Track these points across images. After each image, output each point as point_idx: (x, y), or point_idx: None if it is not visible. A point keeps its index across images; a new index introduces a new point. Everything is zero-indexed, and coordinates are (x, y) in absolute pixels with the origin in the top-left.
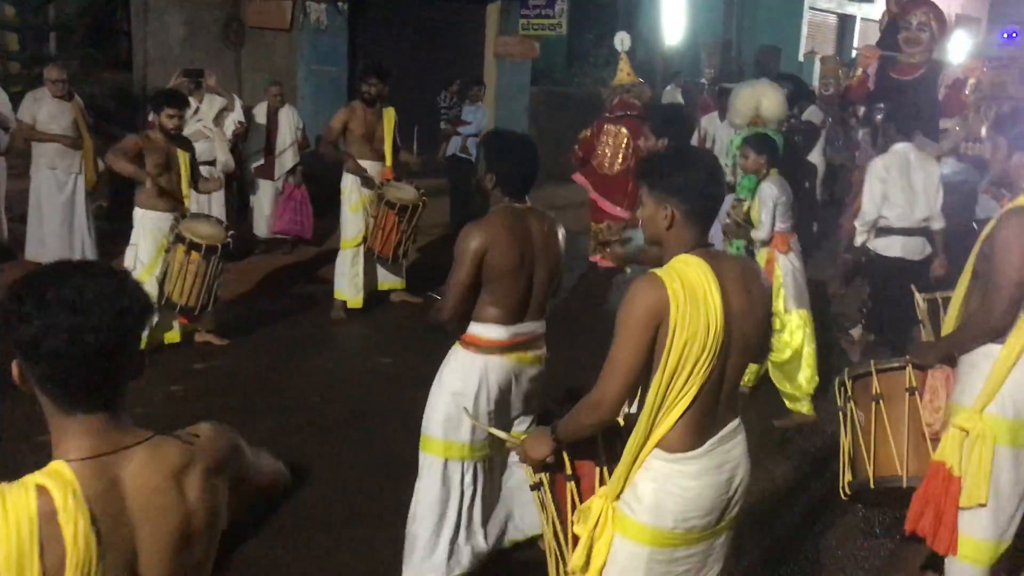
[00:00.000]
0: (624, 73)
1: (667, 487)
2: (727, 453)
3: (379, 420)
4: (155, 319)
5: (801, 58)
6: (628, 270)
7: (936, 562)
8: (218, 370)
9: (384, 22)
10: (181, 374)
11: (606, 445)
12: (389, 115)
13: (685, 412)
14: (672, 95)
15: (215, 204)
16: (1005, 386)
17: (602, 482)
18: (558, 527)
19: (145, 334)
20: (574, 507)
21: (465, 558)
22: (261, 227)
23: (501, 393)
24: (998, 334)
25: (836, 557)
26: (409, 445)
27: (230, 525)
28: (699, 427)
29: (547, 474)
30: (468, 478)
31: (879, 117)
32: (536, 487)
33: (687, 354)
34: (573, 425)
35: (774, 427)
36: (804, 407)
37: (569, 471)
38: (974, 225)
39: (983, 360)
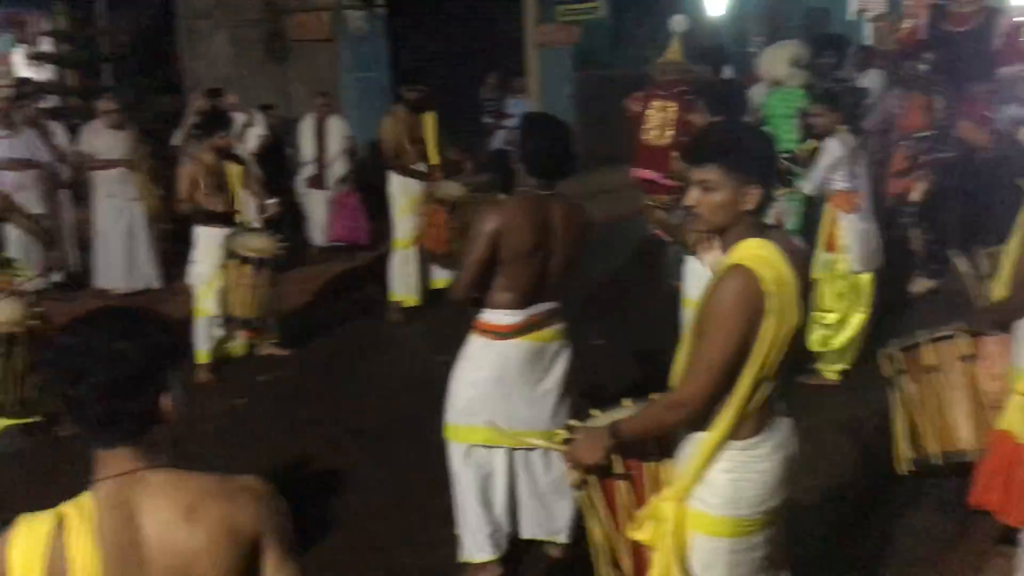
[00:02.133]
0: (672, 52)
1: (744, 475)
2: (783, 426)
3: (439, 420)
4: (220, 333)
5: (852, 17)
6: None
7: (1010, 534)
8: (281, 381)
9: (421, 24)
10: (246, 387)
11: (657, 442)
12: (429, 119)
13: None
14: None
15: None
16: None
17: (656, 480)
18: (609, 527)
19: (206, 349)
20: (626, 507)
21: (504, 541)
22: (317, 236)
23: (522, 375)
24: None
25: (904, 530)
26: None
27: None
28: (765, 410)
29: (595, 475)
30: (497, 463)
31: (923, 68)
32: (582, 486)
33: (778, 344)
34: (649, 424)
35: (824, 401)
36: (832, 371)
37: (620, 470)
38: None
39: None
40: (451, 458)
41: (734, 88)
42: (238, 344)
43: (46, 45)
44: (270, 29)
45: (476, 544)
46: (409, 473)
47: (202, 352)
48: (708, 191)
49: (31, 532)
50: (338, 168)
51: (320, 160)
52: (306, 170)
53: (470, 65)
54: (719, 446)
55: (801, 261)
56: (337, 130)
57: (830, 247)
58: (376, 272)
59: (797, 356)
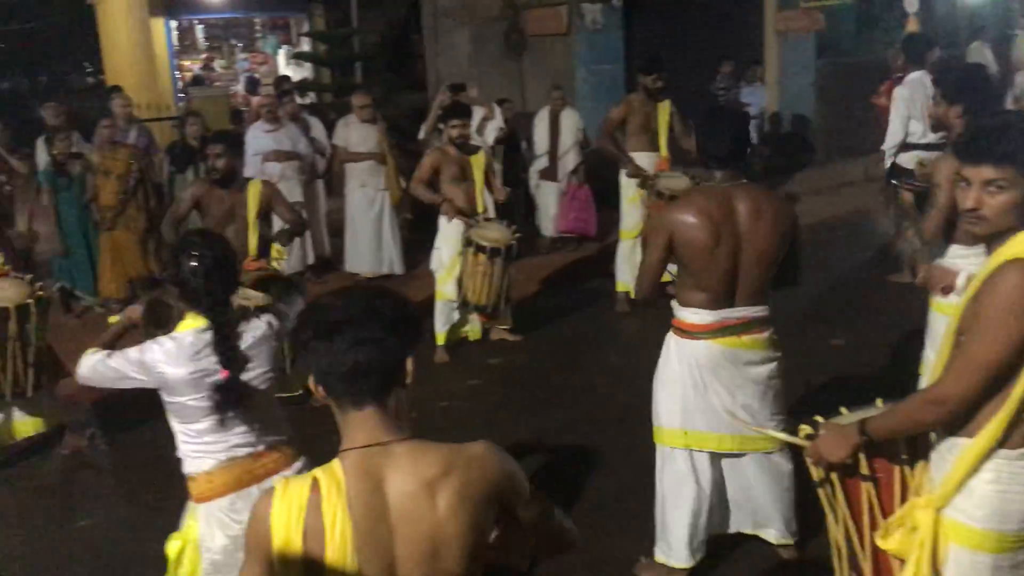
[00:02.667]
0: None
1: (1012, 487)
2: None
3: None
4: (456, 316)
5: None
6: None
7: None
8: (512, 364)
9: (658, 13)
10: (479, 369)
11: (907, 444)
12: (664, 107)
13: None
14: (978, 53)
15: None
16: None
17: (904, 485)
18: (851, 530)
19: (444, 331)
20: (870, 510)
21: (703, 548)
22: (547, 227)
23: (717, 380)
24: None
25: None
26: None
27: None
28: None
29: (838, 473)
30: (702, 467)
31: None
32: (823, 484)
33: None
34: (903, 421)
35: None
36: None
37: (866, 471)
38: None
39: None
40: (657, 459)
41: (976, 72)
42: (473, 328)
43: (305, 46)
44: (509, 25)
45: (672, 549)
46: (641, 459)
47: (441, 333)
48: (997, 191)
49: (289, 496)
50: (570, 160)
51: (553, 152)
52: (539, 162)
53: (705, 55)
54: (985, 454)
55: None
56: (571, 123)
57: None
58: (604, 263)
59: None
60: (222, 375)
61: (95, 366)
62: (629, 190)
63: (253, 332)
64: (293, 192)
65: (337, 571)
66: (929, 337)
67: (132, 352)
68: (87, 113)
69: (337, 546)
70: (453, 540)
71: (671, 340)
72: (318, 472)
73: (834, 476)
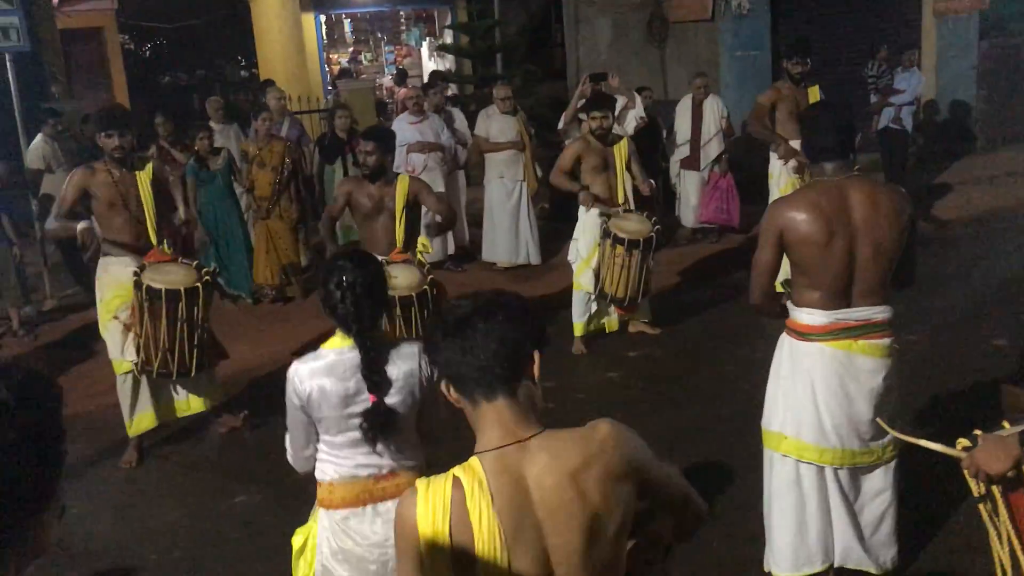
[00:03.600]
0: None
1: None
2: None
3: None
4: (593, 308)
5: None
6: None
7: None
8: (649, 358)
9: None
10: (616, 361)
11: None
12: (814, 92)
13: None
14: None
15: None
16: None
17: None
18: (1017, 548)
19: (582, 322)
20: None
21: (818, 559)
22: (688, 217)
23: (831, 386)
24: None
25: None
26: None
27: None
28: None
29: (999, 487)
30: (808, 476)
31: None
32: (983, 499)
33: None
34: None
35: None
36: None
37: None
38: None
39: None
40: (765, 463)
41: None
42: (611, 320)
43: (448, 38)
44: (652, 12)
45: (775, 557)
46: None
47: (579, 324)
48: None
49: (432, 495)
50: (713, 149)
51: (695, 141)
52: (681, 151)
53: (860, 40)
54: None
55: None
56: (714, 111)
57: None
58: (748, 255)
59: None
60: (370, 400)
61: (288, 442)
62: (782, 179)
63: (401, 359)
64: (435, 183)
65: (490, 565)
66: None
67: (288, 395)
68: (242, 105)
69: (486, 540)
70: (608, 523)
71: (784, 341)
72: (457, 471)
73: (995, 490)
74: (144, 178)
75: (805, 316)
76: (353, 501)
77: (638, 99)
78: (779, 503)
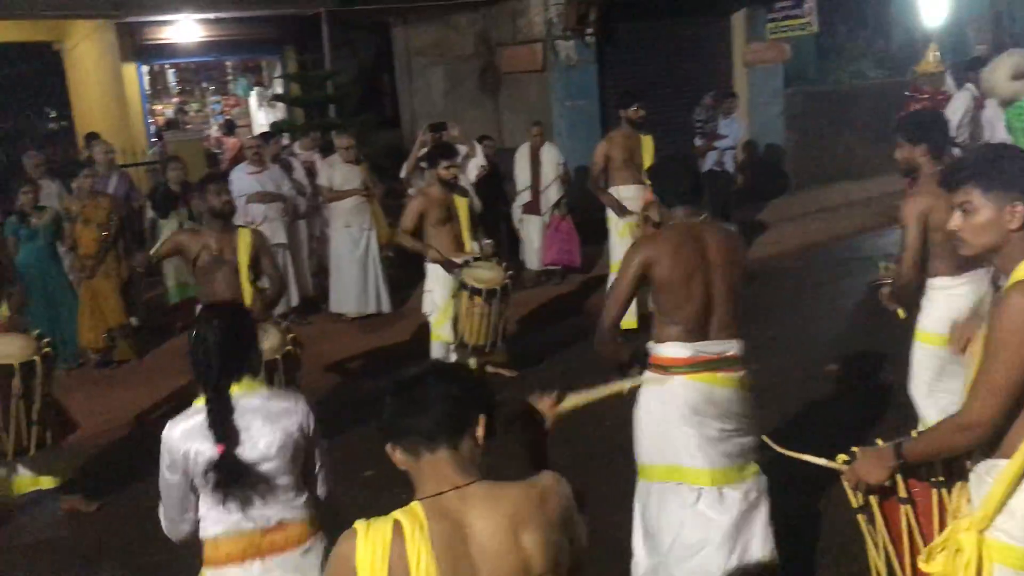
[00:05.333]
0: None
1: None
2: None
3: None
4: (453, 358)
5: None
6: None
7: None
8: (512, 402)
9: (631, 49)
10: None
11: (944, 467)
12: (647, 143)
13: None
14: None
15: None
16: None
17: (942, 508)
18: (891, 555)
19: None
20: (909, 533)
21: None
22: (533, 260)
23: (698, 417)
24: None
25: None
26: None
27: None
28: None
29: (876, 497)
30: (689, 502)
31: None
32: (861, 510)
33: None
34: (936, 446)
35: None
36: None
37: (903, 493)
38: None
39: None
40: (637, 496)
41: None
42: (470, 365)
43: (278, 87)
44: (483, 63)
45: None
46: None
47: None
48: (968, 213)
49: (372, 536)
50: (552, 194)
51: (535, 187)
52: (522, 197)
53: (679, 88)
54: (1021, 474)
55: None
56: (551, 158)
57: None
58: (591, 295)
59: None
60: (217, 450)
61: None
62: (619, 224)
63: (274, 409)
64: (277, 233)
65: None
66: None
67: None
68: (57, 160)
69: None
70: (542, 570)
71: (649, 377)
72: (398, 514)
73: (873, 500)
74: None
75: (668, 350)
76: (239, 556)
77: (479, 148)
78: (641, 534)
